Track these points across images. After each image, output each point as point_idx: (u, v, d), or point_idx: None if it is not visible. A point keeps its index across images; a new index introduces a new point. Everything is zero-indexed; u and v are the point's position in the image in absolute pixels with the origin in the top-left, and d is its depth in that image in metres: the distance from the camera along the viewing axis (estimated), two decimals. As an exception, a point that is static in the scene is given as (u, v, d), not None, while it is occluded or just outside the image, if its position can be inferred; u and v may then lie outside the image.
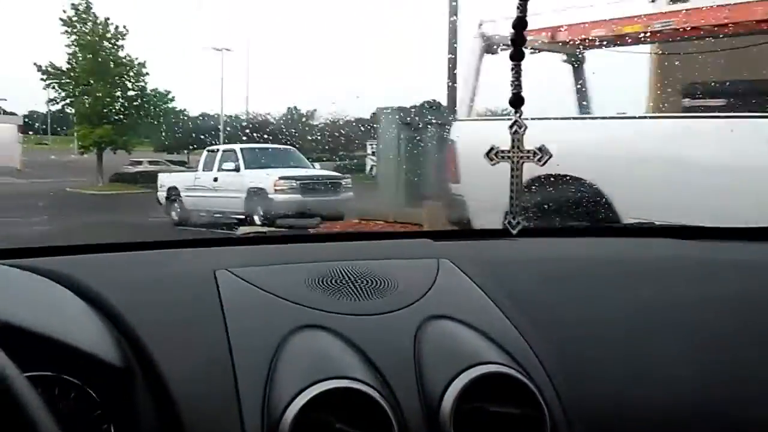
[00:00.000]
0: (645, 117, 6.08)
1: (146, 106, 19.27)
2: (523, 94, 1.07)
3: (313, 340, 0.82)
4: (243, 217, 9.58)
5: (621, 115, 5.79)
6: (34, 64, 18.46)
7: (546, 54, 6.31)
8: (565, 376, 0.85)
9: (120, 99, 19.08)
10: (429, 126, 9.52)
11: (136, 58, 19.07)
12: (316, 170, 12.17)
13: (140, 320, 0.80)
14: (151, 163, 18.83)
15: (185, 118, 22.49)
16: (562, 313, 0.96)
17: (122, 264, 0.99)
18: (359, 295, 0.90)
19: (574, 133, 4.86)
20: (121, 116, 18.82)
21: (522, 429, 0.77)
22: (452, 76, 8.80)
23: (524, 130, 1.16)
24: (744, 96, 4.76)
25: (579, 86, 6.51)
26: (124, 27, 18.88)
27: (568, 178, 4.50)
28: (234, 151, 11.33)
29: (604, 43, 5.85)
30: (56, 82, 18.74)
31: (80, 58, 18.53)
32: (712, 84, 5.15)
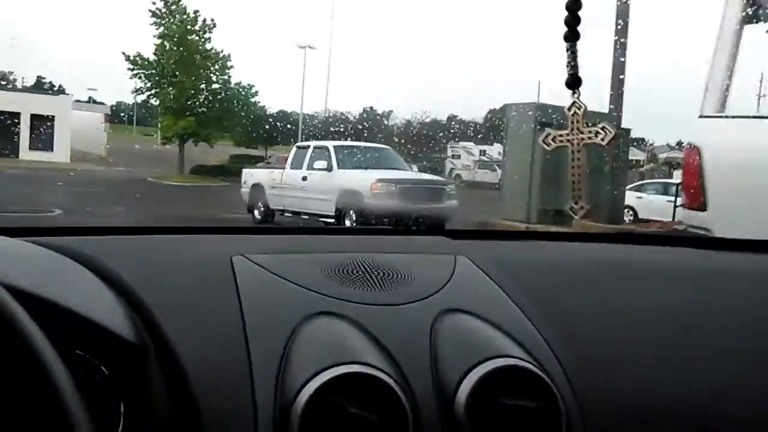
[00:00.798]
0: None
1: (230, 100, 19.26)
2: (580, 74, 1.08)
3: (329, 326, 0.83)
4: (332, 221, 8.87)
5: None
6: (123, 53, 18.76)
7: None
8: (581, 372, 0.86)
9: (204, 91, 19.10)
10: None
11: (222, 51, 19.17)
12: (416, 173, 11.08)
13: (156, 301, 0.81)
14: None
15: (265, 113, 22.59)
16: (578, 312, 0.97)
17: (141, 246, 1.00)
18: (376, 286, 0.91)
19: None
20: (205, 108, 18.88)
21: (537, 423, 0.78)
22: (619, 67, 7.59)
23: (584, 111, 1.71)
24: None
25: None
26: (212, 20, 19.04)
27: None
28: (326, 148, 10.23)
29: None
30: (142, 73, 18.97)
31: (167, 49, 18.65)
32: None
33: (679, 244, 1.32)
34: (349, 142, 11.48)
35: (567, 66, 1.05)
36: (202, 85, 19.19)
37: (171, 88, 18.98)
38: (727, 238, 1.31)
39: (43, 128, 23.87)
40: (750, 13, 3.74)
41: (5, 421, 0.41)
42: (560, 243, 1.32)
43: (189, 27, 18.58)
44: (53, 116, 24.13)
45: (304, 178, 9.97)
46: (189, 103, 18.83)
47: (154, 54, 18.95)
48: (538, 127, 8.13)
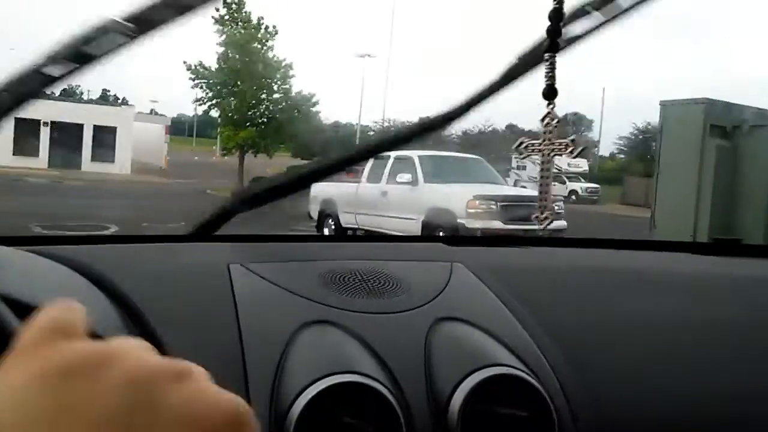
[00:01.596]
0: None
1: (290, 110, 18.62)
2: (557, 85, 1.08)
3: (324, 335, 0.83)
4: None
5: None
6: (184, 62, 18.43)
7: None
8: (575, 382, 0.86)
9: (265, 101, 18.59)
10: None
11: (284, 60, 18.63)
12: (513, 188, 9.51)
13: (152, 309, 0.81)
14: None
15: (324, 123, 21.98)
16: (574, 320, 0.97)
17: (137, 255, 1.01)
18: (371, 294, 0.90)
19: None
20: (265, 119, 18.39)
21: (530, 431, 0.77)
22: None
23: (557, 122, 1.21)
24: None
25: None
26: (274, 27, 18.51)
27: None
28: (410, 159, 8.78)
29: None
30: (204, 82, 18.62)
31: (229, 57, 18.25)
32: None
33: (675, 249, 1.35)
34: (436, 152, 9.73)
35: (545, 76, 1.07)
36: (263, 95, 18.65)
37: (232, 98, 18.55)
38: (724, 243, 1.36)
39: (105, 140, 23.94)
40: None
41: None
42: (557, 249, 1.33)
43: (252, 35, 18.08)
44: (115, 128, 24.20)
45: (384, 194, 8.67)
46: (250, 113, 18.36)
47: (216, 62, 18.56)
48: (711, 129, 6.97)
